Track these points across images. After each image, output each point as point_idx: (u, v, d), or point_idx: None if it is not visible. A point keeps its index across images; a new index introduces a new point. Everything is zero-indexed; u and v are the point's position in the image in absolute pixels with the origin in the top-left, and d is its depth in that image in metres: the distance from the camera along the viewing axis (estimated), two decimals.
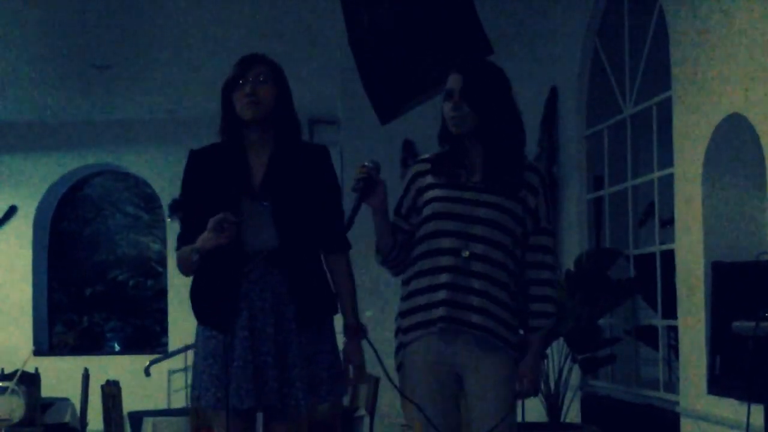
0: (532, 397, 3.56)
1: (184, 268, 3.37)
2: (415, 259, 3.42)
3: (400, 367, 3.47)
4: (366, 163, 3.38)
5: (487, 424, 3.31)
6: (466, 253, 3.32)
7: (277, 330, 3.33)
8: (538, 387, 3.42)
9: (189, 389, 3.54)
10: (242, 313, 3.32)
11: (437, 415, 3.37)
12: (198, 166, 3.44)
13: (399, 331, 3.47)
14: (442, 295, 3.34)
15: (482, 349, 3.34)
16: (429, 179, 3.45)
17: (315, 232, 3.42)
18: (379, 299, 8.85)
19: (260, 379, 3.29)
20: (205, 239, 3.26)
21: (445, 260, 3.34)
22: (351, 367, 3.46)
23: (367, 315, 9.02)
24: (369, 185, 3.35)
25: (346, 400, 7.07)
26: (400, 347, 3.46)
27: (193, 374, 3.45)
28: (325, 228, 3.45)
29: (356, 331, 3.48)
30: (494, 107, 3.39)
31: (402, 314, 3.45)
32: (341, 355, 3.47)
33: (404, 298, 3.45)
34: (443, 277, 3.34)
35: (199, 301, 3.42)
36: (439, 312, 3.33)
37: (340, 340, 3.48)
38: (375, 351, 3.44)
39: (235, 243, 3.30)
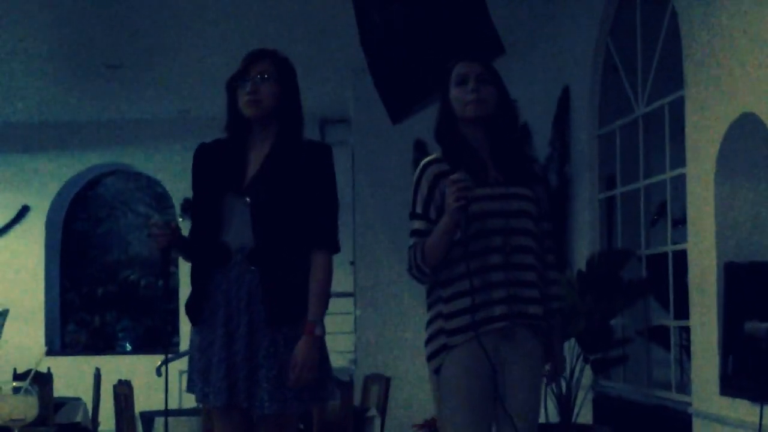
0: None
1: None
2: (458, 260, 3.33)
3: (438, 370, 3.35)
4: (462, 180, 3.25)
5: (531, 411, 3.36)
6: (508, 248, 3.32)
7: (250, 329, 3.31)
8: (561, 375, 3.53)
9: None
10: (220, 310, 3.33)
11: (474, 422, 3.33)
12: (202, 160, 3.46)
13: (441, 332, 3.35)
14: (501, 293, 3.30)
15: (538, 337, 3.38)
16: None
17: (297, 231, 3.35)
18: (370, 300, 8.85)
19: (232, 378, 3.30)
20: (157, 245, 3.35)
21: (495, 258, 3.31)
22: (297, 366, 3.29)
23: (357, 314, 9.03)
24: (467, 204, 3.24)
25: (356, 399, 7.07)
26: (442, 349, 3.34)
27: (189, 366, 3.47)
28: (313, 224, 3.37)
29: (310, 329, 3.33)
30: (506, 97, 3.42)
31: (446, 316, 3.33)
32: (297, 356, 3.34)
33: (447, 300, 3.34)
34: (497, 276, 3.30)
35: (188, 298, 3.46)
36: (501, 309, 3.29)
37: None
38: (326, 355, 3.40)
39: (215, 239, 3.33)
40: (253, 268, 3.32)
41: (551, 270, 3.45)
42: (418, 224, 3.36)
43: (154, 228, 3.30)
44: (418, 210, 3.37)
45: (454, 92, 3.39)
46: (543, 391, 3.49)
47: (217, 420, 3.44)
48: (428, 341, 3.38)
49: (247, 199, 3.33)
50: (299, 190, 3.35)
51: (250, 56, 3.41)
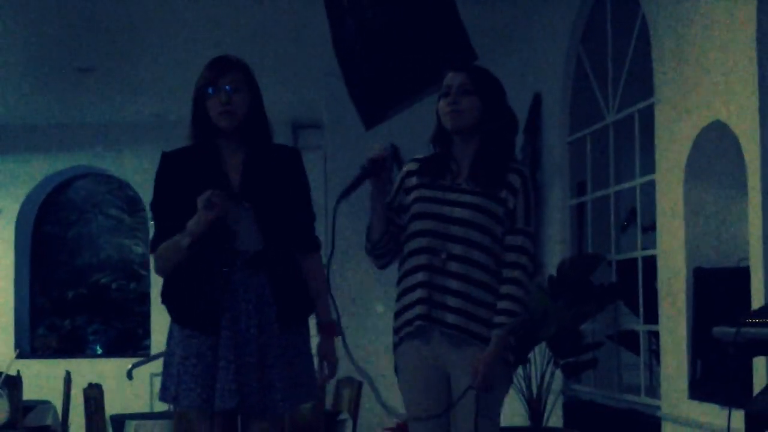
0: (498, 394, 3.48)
1: (167, 262, 3.34)
2: (403, 258, 3.47)
3: (396, 369, 3.50)
4: (381, 148, 3.40)
5: (468, 421, 3.34)
6: (443, 254, 3.35)
7: (260, 331, 3.35)
8: (489, 385, 3.31)
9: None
10: (225, 313, 3.33)
11: (425, 416, 3.39)
12: (172, 168, 3.44)
13: (393, 332, 3.50)
14: (418, 294, 3.38)
15: (458, 347, 3.37)
16: (415, 180, 3.49)
17: (289, 234, 3.44)
18: (343, 304, 8.83)
19: (242, 380, 3.30)
20: (195, 221, 3.27)
21: (422, 259, 3.39)
22: (326, 365, 3.50)
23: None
24: (378, 168, 3.35)
25: (328, 402, 7.08)
26: (394, 348, 3.50)
27: (166, 374, 3.41)
28: (299, 228, 3.47)
29: (330, 329, 3.52)
30: (494, 104, 3.45)
31: (394, 315, 3.49)
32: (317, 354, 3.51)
33: (396, 299, 3.48)
34: (419, 276, 3.38)
35: (179, 304, 3.40)
36: (416, 311, 3.38)
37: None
38: (348, 351, 3.44)
39: (218, 244, 3.32)
40: (259, 270, 3.35)
41: (514, 285, 3.37)
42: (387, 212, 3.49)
43: (216, 197, 3.27)
44: (390, 200, 3.50)
45: (439, 104, 3.47)
46: (497, 398, 3.46)
47: (202, 424, 3.40)
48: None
49: (247, 206, 3.36)
50: (283, 194, 3.42)
51: (216, 66, 3.41)
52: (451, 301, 3.35)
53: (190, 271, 3.35)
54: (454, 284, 3.35)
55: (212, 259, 3.33)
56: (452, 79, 3.45)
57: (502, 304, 3.37)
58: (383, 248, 3.46)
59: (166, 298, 3.45)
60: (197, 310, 3.34)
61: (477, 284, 3.36)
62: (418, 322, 3.38)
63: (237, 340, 3.32)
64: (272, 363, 3.34)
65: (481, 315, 3.36)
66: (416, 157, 3.58)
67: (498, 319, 3.36)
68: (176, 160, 3.44)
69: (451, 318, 3.35)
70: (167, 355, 3.44)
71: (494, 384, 3.35)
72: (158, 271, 3.42)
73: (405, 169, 3.54)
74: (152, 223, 3.57)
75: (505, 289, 3.38)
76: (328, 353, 3.51)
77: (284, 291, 3.39)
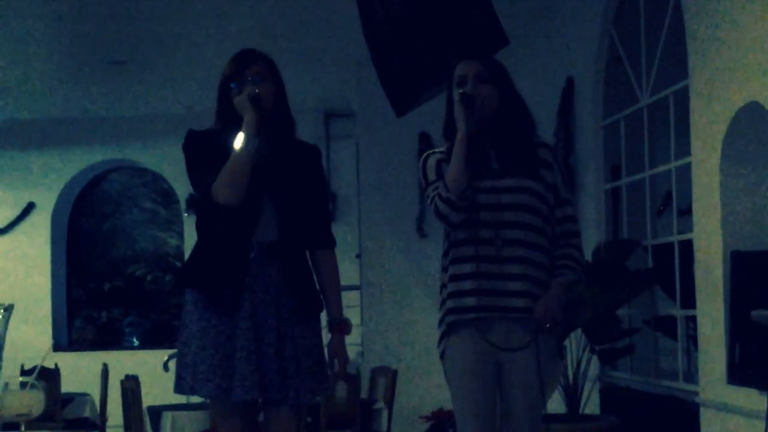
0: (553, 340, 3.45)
1: (234, 178, 3.29)
2: (449, 246, 3.44)
3: (442, 355, 3.48)
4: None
5: (531, 406, 3.35)
6: (498, 242, 3.33)
7: (279, 321, 3.35)
8: (555, 320, 3.31)
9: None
10: (245, 304, 3.33)
11: (476, 405, 3.38)
12: (199, 141, 3.47)
13: (441, 320, 3.47)
14: (468, 285, 3.35)
15: (527, 331, 3.35)
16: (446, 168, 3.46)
17: (306, 228, 3.46)
18: (376, 293, 8.83)
19: (262, 370, 3.31)
20: (247, 121, 3.30)
21: (470, 250, 3.35)
22: (337, 362, 3.48)
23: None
24: (471, 104, 3.34)
25: (363, 391, 7.08)
26: (443, 336, 3.47)
27: (180, 365, 3.40)
28: (315, 225, 3.49)
29: (341, 326, 3.51)
30: (508, 91, 3.45)
31: (441, 303, 3.48)
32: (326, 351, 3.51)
33: (443, 287, 3.47)
34: (469, 267, 3.36)
35: (202, 286, 3.39)
36: (470, 302, 3.36)
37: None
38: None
39: (243, 233, 3.34)
40: (274, 262, 3.36)
41: (573, 249, 3.42)
42: (435, 183, 3.43)
43: (256, 91, 3.33)
44: (432, 177, 3.43)
45: (454, 94, 3.45)
46: (551, 383, 3.47)
47: (223, 413, 3.41)
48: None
49: (264, 197, 3.38)
50: (302, 189, 3.44)
51: (242, 58, 3.46)
52: (513, 286, 3.33)
53: (212, 256, 3.37)
54: (515, 269, 3.33)
55: (233, 247, 3.35)
56: (467, 68, 3.44)
57: (561, 262, 3.40)
58: (468, 199, 3.35)
59: (187, 282, 3.44)
60: (220, 291, 3.34)
61: (537, 265, 3.36)
62: (471, 314, 3.35)
63: (256, 331, 3.32)
64: (290, 354, 3.35)
65: (526, 291, 3.35)
66: (437, 149, 3.54)
67: (559, 271, 3.38)
68: (203, 138, 3.49)
69: (516, 302, 3.33)
70: (181, 345, 3.42)
71: (555, 319, 3.33)
72: (226, 198, 3.31)
73: (434, 158, 3.50)
74: (186, 214, 3.59)
75: (563, 251, 3.41)
76: (339, 351, 3.49)
77: (300, 282, 3.42)
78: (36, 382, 3.07)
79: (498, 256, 3.34)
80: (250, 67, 3.42)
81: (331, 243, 3.54)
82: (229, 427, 3.40)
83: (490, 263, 3.34)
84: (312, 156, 3.53)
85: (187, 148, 3.49)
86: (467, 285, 3.36)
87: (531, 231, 3.37)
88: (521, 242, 3.35)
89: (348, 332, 3.53)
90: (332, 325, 3.52)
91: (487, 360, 3.38)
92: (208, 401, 5.58)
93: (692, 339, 5.76)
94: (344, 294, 3.62)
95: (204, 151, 3.42)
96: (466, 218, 3.35)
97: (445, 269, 3.46)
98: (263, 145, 3.38)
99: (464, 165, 3.32)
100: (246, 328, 3.32)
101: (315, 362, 3.41)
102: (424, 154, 3.55)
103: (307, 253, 3.52)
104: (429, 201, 3.43)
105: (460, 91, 3.34)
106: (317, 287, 3.50)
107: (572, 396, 5.79)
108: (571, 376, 5.78)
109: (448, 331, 3.43)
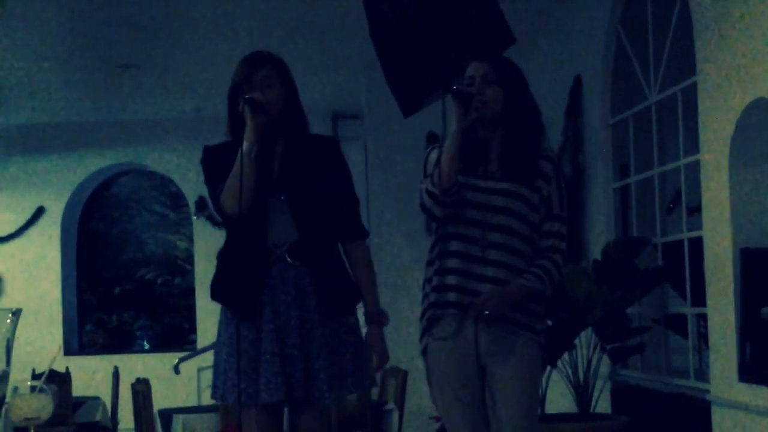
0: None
1: (235, 190, 3.27)
2: (436, 241, 3.45)
3: (424, 352, 3.50)
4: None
5: (514, 411, 3.32)
6: (483, 242, 3.33)
7: (302, 322, 3.34)
8: (492, 310, 3.30)
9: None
10: (266, 307, 3.33)
11: (461, 406, 3.38)
12: (214, 162, 3.46)
13: (423, 314, 3.50)
14: (451, 280, 3.37)
15: (501, 335, 3.35)
16: None
17: (332, 223, 3.42)
18: (386, 294, 8.81)
19: (287, 372, 3.30)
20: (248, 129, 3.28)
21: (456, 246, 3.36)
22: (374, 355, 3.48)
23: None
24: (468, 101, 3.34)
25: (374, 394, 7.07)
26: (424, 332, 3.49)
27: (215, 372, 3.45)
28: (342, 217, 3.46)
29: (377, 318, 3.49)
30: (517, 94, 3.44)
31: (423, 298, 3.50)
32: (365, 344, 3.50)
33: (426, 281, 3.48)
34: (453, 262, 3.38)
35: (225, 298, 3.43)
36: (448, 297, 3.37)
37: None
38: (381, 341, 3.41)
39: (257, 238, 3.33)
40: (296, 262, 3.35)
41: (549, 261, 3.39)
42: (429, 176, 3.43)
43: (252, 97, 3.31)
44: (429, 171, 3.44)
45: None
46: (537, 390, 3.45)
47: (249, 417, 3.39)
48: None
49: (282, 198, 3.37)
50: (323, 184, 3.41)
51: (250, 62, 3.44)
52: (487, 289, 3.33)
53: (229, 266, 3.39)
54: (491, 272, 3.34)
55: (249, 254, 3.35)
56: (475, 69, 3.46)
57: (534, 269, 3.36)
58: (453, 195, 3.36)
59: (212, 294, 3.48)
60: (240, 300, 3.36)
61: (517, 272, 3.35)
62: (452, 310, 3.36)
63: (279, 333, 3.32)
64: (316, 354, 3.34)
65: (526, 305, 3.34)
66: (439, 144, 3.55)
67: (526, 276, 3.35)
68: (217, 154, 3.47)
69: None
70: (216, 353, 3.47)
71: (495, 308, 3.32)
72: (230, 207, 3.32)
73: (437, 152, 3.50)
74: (195, 217, 3.59)
75: (540, 261, 3.38)
76: (374, 343, 3.48)
77: (324, 281, 3.38)
78: (45, 386, 3.07)
79: (482, 257, 3.35)
80: (258, 72, 3.40)
81: (361, 234, 3.50)
82: (255, 430, 3.40)
83: (474, 263, 3.35)
84: (329, 148, 3.50)
85: (203, 164, 3.51)
86: (451, 280, 3.37)
87: (516, 237, 3.36)
88: (505, 247, 3.35)
89: (386, 323, 3.50)
90: (368, 317, 3.50)
91: (468, 362, 3.38)
92: (218, 404, 5.59)
93: (703, 337, 5.75)
94: None
95: (219, 165, 3.41)
96: (453, 214, 3.36)
97: (430, 263, 3.46)
98: (277, 147, 3.39)
99: (453, 161, 3.32)
100: (269, 331, 3.32)
101: (346, 361, 3.39)
102: (429, 148, 3.57)
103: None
104: (419, 193, 3.44)
105: (454, 87, 3.34)
106: (350, 282, 3.47)
107: (583, 395, 5.78)
108: (581, 375, 5.77)
109: (429, 326, 3.43)
